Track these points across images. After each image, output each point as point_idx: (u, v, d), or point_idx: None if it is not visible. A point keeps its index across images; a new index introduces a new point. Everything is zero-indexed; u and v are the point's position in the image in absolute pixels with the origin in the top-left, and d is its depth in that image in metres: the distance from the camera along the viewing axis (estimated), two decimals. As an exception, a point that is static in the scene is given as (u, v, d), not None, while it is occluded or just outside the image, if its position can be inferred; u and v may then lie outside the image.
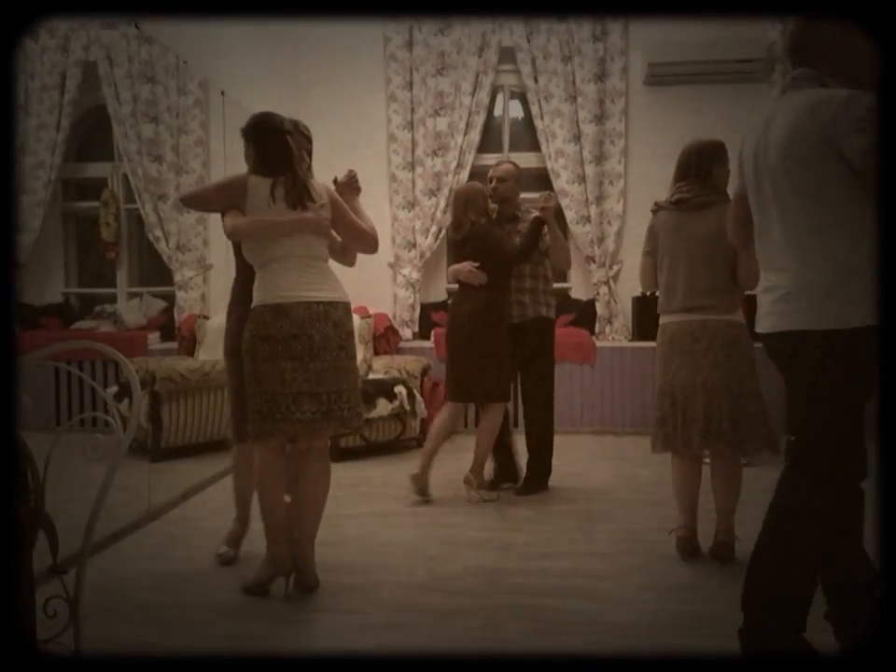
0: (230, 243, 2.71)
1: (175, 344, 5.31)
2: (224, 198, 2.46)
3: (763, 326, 1.92)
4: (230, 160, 4.33)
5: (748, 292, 2.67)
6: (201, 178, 5.47)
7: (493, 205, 3.70)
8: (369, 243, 2.65)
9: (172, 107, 5.54)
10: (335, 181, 2.80)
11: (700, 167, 2.79)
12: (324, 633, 2.25)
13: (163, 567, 2.79)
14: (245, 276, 2.65)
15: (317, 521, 2.55)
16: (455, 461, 4.02)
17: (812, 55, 1.84)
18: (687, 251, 2.77)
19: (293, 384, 2.36)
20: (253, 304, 2.44)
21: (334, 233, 2.61)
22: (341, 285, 2.53)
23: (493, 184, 3.78)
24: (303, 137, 2.73)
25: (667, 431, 2.79)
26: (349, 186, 2.77)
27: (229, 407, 2.84)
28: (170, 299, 5.67)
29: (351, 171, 2.80)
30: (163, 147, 5.52)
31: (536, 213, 3.64)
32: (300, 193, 2.45)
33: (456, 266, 3.66)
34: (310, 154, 2.79)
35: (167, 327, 5.53)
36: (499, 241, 3.60)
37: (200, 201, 2.62)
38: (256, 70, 5.55)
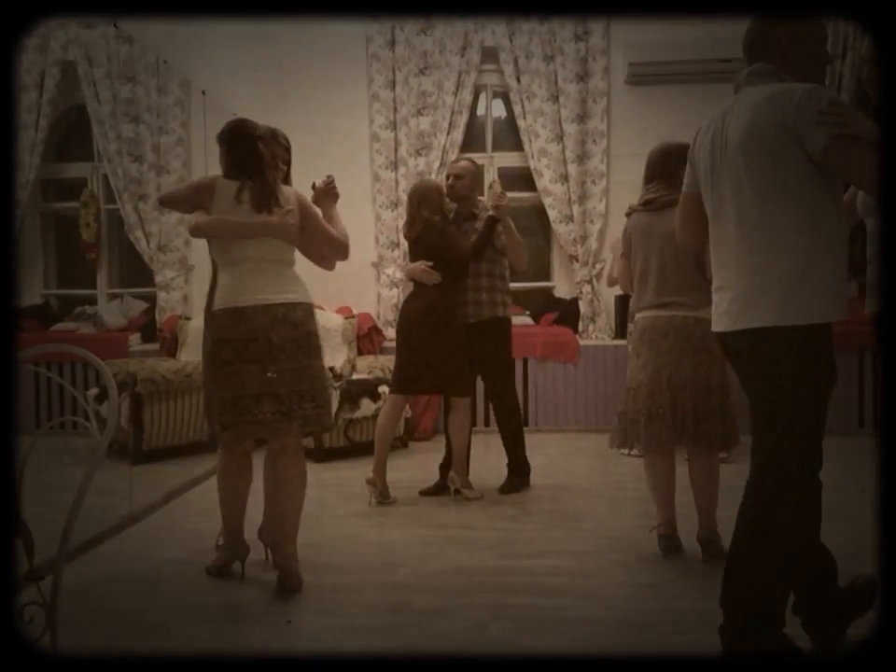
0: (208, 244, 2.68)
1: (156, 346, 5.28)
2: (194, 198, 2.54)
3: (720, 325, 1.89)
4: (211, 159, 4.30)
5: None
6: (181, 178, 5.44)
7: (450, 204, 3.66)
8: (338, 249, 2.70)
9: (152, 107, 5.50)
10: (313, 186, 2.81)
11: (665, 169, 2.83)
12: (307, 634, 2.25)
13: (145, 571, 2.77)
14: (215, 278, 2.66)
15: (296, 521, 2.57)
16: (439, 461, 4.02)
17: (769, 52, 1.84)
18: (657, 250, 2.81)
19: (254, 385, 2.41)
20: (214, 308, 2.48)
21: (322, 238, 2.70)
22: (304, 286, 2.59)
23: (449, 181, 3.73)
24: (280, 146, 2.74)
25: (626, 427, 2.81)
26: (326, 192, 2.78)
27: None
28: (151, 300, 5.62)
29: (329, 176, 2.81)
30: (144, 146, 5.48)
31: (489, 211, 3.61)
32: (267, 197, 2.51)
33: (411, 266, 3.65)
34: (287, 163, 2.80)
35: (148, 328, 5.49)
36: (453, 239, 3.55)
37: (174, 201, 2.68)
38: (237, 70, 5.51)
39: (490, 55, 5.53)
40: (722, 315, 1.89)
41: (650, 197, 2.86)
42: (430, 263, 3.53)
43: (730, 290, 1.84)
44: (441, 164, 5.51)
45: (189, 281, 5.54)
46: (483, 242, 3.59)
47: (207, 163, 4.49)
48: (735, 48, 5.96)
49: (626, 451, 3.89)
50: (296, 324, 2.47)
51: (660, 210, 2.82)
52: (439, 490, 3.72)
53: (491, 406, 3.92)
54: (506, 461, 3.85)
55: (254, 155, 2.54)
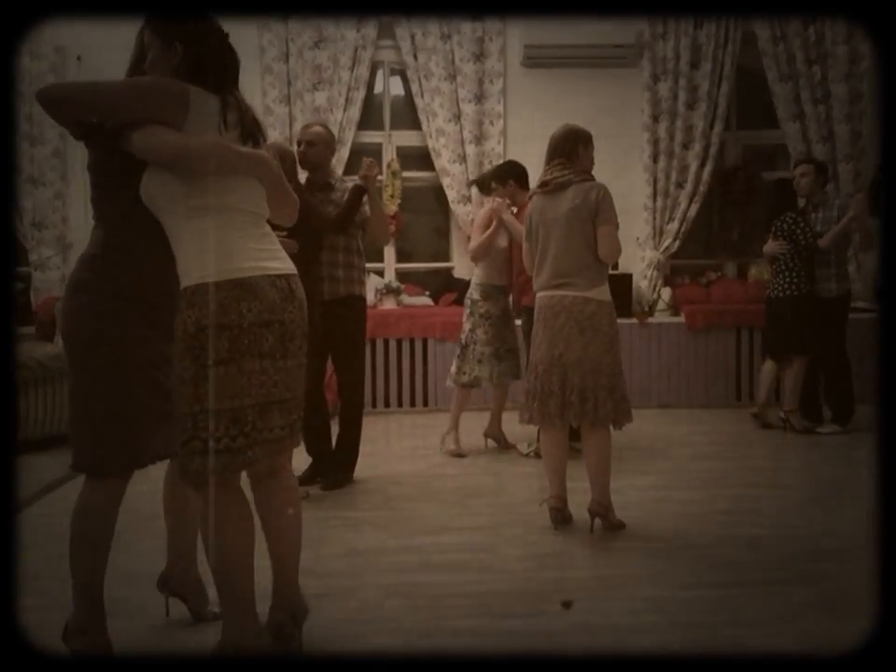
0: (89, 210, 1.93)
1: (31, 329, 4.94)
2: (147, 105, 1.72)
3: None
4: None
5: (611, 270, 2.82)
6: (57, 151, 5.08)
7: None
8: (291, 214, 2.04)
9: (23, 72, 5.09)
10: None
11: (565, 148, 2.88)
12: (199, 628, 2.15)
13: (21, 566, 2.58)
14: (126, 231, 1.83)
15: (298, 559, 1.99)
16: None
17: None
18: (552, 230, 2.86)
19: (261, 389, 1.73)
20: (192, 282, 1.71)
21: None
22: None
23: (301, 147, 3.39)
24: None
25: (530, 404, 2.88)
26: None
27: (85, 426, 1.86)
28: (25, 279, 5.25)
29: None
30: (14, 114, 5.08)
31: (357, 181, 3.32)
32: (256, 123, 1.89)
33: None
34: None
35: (22, 309, 5.12)
36: (310, 207, 3.12)
37: (91, 104, 1.75)
38: (117, 38, 5.17)
39: (387, 31, 5.45)
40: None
41: (545, 179, 2.90)
42: (284, 233, 3.11)
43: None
44: (338, 141, 5.38)
45: (66, 260, 5.20)
46: (350, 213, 3.28)
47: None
48: (625, 34, 6.20)
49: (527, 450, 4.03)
50: (301, 304, 1.83)
51: (553, 192, 2.86)
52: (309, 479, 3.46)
53: (338, 388, 3.60)
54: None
55: (233, 60, 1.85)
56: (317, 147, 3.39)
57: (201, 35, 1.81)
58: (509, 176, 4.06)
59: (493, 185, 4.12)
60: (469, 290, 4.16)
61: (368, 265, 5.66)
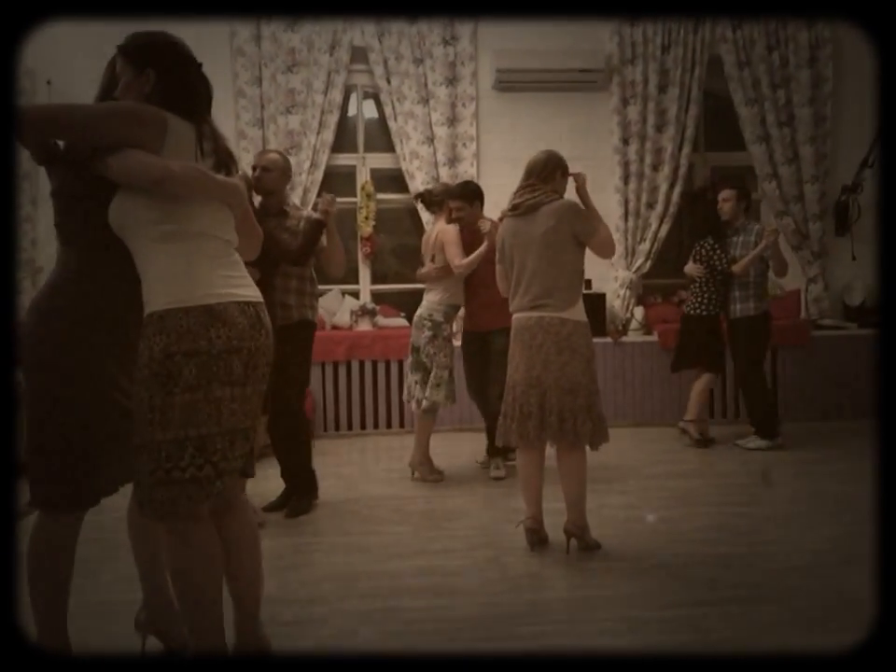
0: (52, 234, 1.88)
1: None
2: (125, 129, 1.70)
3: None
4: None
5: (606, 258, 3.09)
6: (27, 174, 5.03)
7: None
8: (256, 246, 2.08)
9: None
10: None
11: (543, 172, 2.92)
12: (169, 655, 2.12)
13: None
14: (95, 256, 1.82)
15: (259, 594, 1.95)
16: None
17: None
18: (528, 253, 2.89)
19: (231, 418, 1.72)
20: (160, 307, 1.70)
21: None
22: None
23: (256, 172, 3.40)
24: None
25: (508, 425, 2.89)
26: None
27: (42, 458, 1.79)
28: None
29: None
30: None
31: (316, 215, 3.35)
32: (228, 153, 1.89)
33: None
34: None
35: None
36: (271, 237, 3.09)
37: (69, 126, 1.72)
38: (91, 65, 5.15)
39: (360, 55, 5.50)
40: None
41: (516, 202, 2.93)
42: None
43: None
44: (312, 164, 5.43)
45: (35, 284, 5.13)
46: (310, 245, 3.32)
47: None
48: (594, 59, 6.31)
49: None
50: (268, 331, 1.83)
51: (525, 215, 2.89)
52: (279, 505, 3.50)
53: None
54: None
55: (206, 88, 1.85)
56: (273, 174, 3.40)
57: (173, 63, 1.81)
58: (476, 197, 4.09)
59: (458, 203, 4.07)
60: (429, 312, 4.08)
61: (343, 287, 5.70)
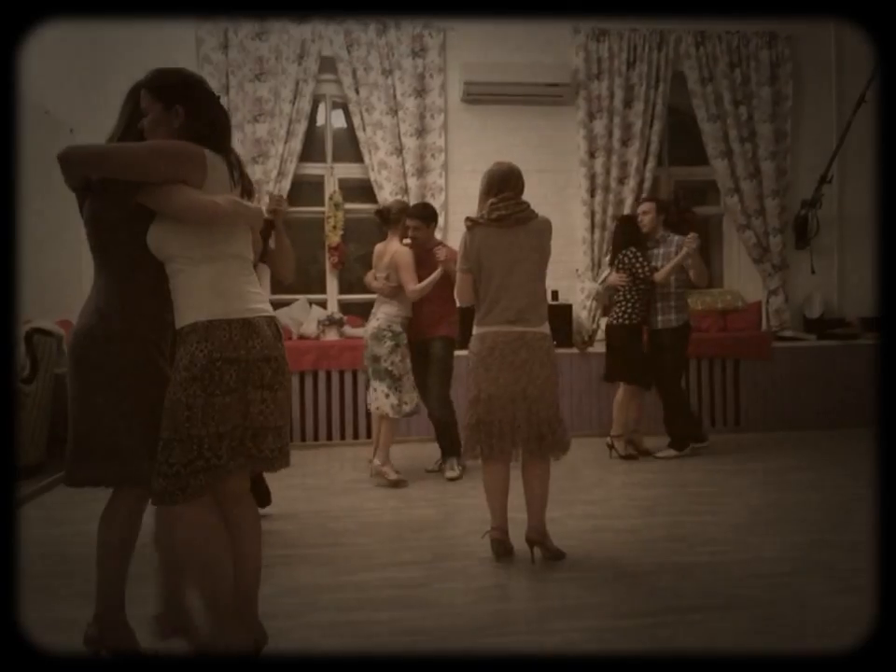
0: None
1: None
2: (171, 167, 1.86)
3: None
4: (37, 173, 3.90)
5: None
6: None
7: None
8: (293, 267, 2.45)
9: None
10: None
11: (518, 185, 2.94)
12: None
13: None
14: (139, 276, 1.97)
15: (258, 584, 2.10)
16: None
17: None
18: (510, 265, 2.86)
19: (258, 417, 1.93)
20: (204, 317, 1.89)
21: None
22: None
23: None
24: None
25: (479, 437, 2.87)
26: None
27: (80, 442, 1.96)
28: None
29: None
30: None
31: (267, 215, 3.27)
32: (248, 180, 2.09)
33: None
34: None
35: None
36: None
37: (120, 165, 1.86)
38: (60, 74, 5.07)
39: (328, 65, 5.50)
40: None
41: (501, 214, 2.86)
42: None
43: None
44: (280, 174, 5.40)
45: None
46: (257, 244, 3.34)
47: (32, 176, 4.05)
48: (561, 73, 6.39)
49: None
50: (282, 343, 2.05)
51: (512, 227, 2.87)
52: None
53: None
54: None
55: (228, 121, 2.04)
56: None
57: (199, 99, 1.95)
58: (433, 219, 4.34)
59: (415, 223, 4.26)
60: (388, 323, 4.21)
61: (310, 297, 5.66)
